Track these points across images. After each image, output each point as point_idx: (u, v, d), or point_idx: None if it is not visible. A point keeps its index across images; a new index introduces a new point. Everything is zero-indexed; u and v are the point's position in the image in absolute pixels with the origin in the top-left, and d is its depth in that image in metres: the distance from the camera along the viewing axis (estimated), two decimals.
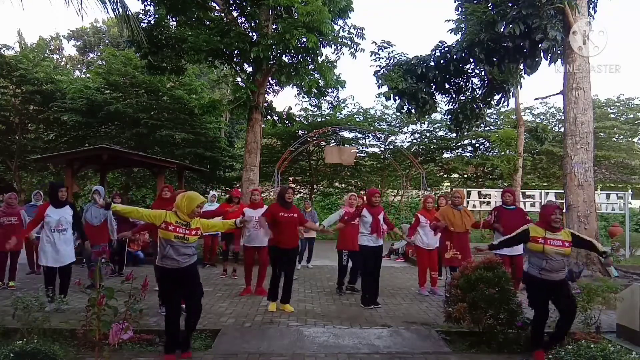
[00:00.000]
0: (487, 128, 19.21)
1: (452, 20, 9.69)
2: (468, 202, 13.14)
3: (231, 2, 11.46)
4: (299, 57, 11.07)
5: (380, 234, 6.32)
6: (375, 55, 10.55)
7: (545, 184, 19.81)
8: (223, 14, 11.35)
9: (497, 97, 10.66)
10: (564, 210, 8.03)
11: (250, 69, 11.86)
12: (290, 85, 11.75)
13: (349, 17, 11.65)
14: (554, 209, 4.38)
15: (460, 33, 9.44)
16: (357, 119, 18.78)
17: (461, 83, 10.69)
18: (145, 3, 11.46)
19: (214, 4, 11.39)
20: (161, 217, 4.07)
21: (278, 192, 6.27)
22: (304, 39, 9.64)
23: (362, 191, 21.23)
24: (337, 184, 21.18)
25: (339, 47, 11.80)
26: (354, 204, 7.32)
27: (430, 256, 7.16)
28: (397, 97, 10.13)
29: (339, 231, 7.29)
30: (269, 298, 6.02)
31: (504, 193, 6.86)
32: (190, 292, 4.22)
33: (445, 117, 12.53)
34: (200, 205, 4.15)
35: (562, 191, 8.98)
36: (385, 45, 10.53)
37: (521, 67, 9.79)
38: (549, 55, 8.48)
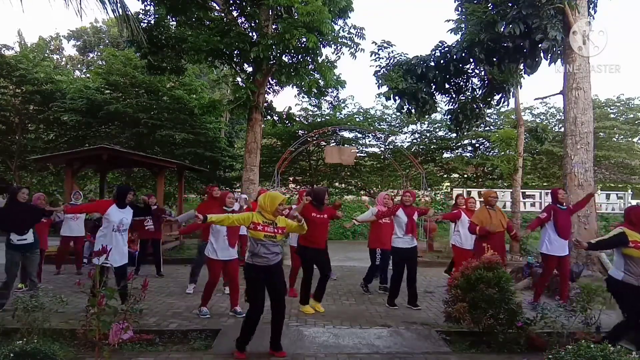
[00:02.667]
0: (487, 128, 19.19)
1: (452, 20, 9.68)
2: None
3: (231, 2, 11.45)
4: (299, 57, 11.07)
5: (416, 234, 6.35)
6: (375, 55, 10.54)
7: (545, 184, 19.80)
8: (223, 14, 11.35)
9: (497, 97, 10.64)
10: None
11: (250, 69, 11.86)
12: (290, 85, 11.75)
13: (349, 17, 11.67)
14: None
15: (460, 33, 9.43)
16: (357, 119, 18.77)
17: (461, 83, 10.67)
18: (145, 3, 11.47)
19: (214, 4, 11.38)
20: (249, 218, 4.28)
21: (314, 192, 6.25)
22: (304, 39, 9.64)
23: (362, 191, 21.25)
24: (337, 184, 21.16)
25: (339, 47, 11.81)
26: (388, 204, 7.28)
27: (468, 256, 7.07)
28: (397, 97, 10.12)
29: (373, 230, 7.36)
30: (302, 302, 6.00)
31: (559, 191, 6.50)
32: (276, 289, 4.34)
33: (445, 117, 12.51)
34: (282, 203, 4.32)
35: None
36: (385, 45, 10.52)
37: (521, 67, 9.77)
38: (549, 55, 8.47)
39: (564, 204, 6.43)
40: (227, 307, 6.04)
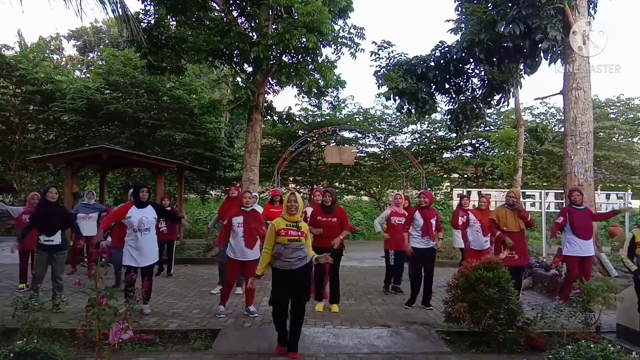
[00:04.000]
0: (487, 128, 19.16)
1: (452, 20, 9.67)
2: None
3: (231, 2, 11.45)
4: (299, 57, 11.07)
5: (433, 236, 6.32)
6: (375, 55, 10.53)
7: (545, 184, 19.78)
8: (223, 14, 11.35)
9: (497, 97, 10.62)
10: None
11: (250, 69, 11.86)
12: (290, 85, 11.75)
13: (349, 17, 11.66)
14: None
15: (460, 33, 9.42)
16: (357, 119, 18.75)
17: (461, 83, 10.66)
18: (145, 3, 11.46)
19: (214, 4, 11.38)
20: (273, 231, 4.34)
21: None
22: (304, 39, 9.64)
23: (362, 191, 21.23)
24: (337, 184, 21.14)
25: (339, 47, 11.80)
26: (400, 203, 7.36)
27: (480, 257, 6.99)
28: (397, 97, 10.11)
29: (387, 231, 7.37)
30: (315, 298, 6.17)
31: (572, 192, 6.51)
32: (297, 293, 4.36)
33: (445, 117, 12.50)
34: (290, 199, 4.39)
35: (562, 191, 8.98)
36: (385, 45, 10.51)
37: (521, 67, 9.76)
38: (549, 55, 8.46)
39: (580, 204, 6.39)
40: (228, 306, 6.06)
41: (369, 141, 19.39)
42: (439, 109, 13.42)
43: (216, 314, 5.70)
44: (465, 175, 20.91)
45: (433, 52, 9.96)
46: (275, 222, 4.40)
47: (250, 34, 11.06)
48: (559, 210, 8.79)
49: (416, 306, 6.37)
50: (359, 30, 11.80)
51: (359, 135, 18.99)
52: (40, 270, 5.86)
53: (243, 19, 11.50)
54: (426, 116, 13.29)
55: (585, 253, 6.27)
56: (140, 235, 5.51)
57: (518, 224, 6.28)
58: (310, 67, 11.32)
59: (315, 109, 18.54)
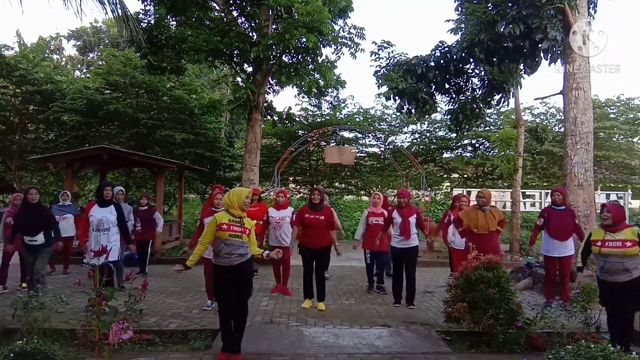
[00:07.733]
0: (487, 128, 19.17)
1: (452, 20, 9.67)
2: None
3: (231, 2, 11.46)
4: (299, 57, 11.08)
5: (409, 235, 6.21)
6: (375, 55, 10.54)
7: (545, 184, 19.78)
8: (223, 14, 11.35)
9: (497, 97, 10.63)
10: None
11: (250, 69, 11.87)
12: (290, 85, 11.75)
13: (349, 17, 11.68)
14: (602, 207, 4.52)
15: (460, 33, 9.42)
16: (357, 119, 18.75)
17: (461, 83, 10.66)
18: (145, 3, 11.47)
19: (214, 4, 11.38)
20: (214, 224, 4.14)
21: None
22: (304, 39, 9.65)
23: (362, 191, 21.23)
24: (337, 184, 21.15)
25: (339, 47, 11.81)
26: (377, 203, 7.35)
27: (460, 255, 6.71)
28: (397, 97, 10.11)
29: (366, 231, 7.36)
30: (304, 296, 6.29)
31: (553, 192, 6.58)
32: (238, 290, 4.25)
33: (445, 117, 12.51)
34: (248, 196, 4.23)
35: None
36: (385, 45, 10.51)
37: (521, 67, 9.77)
38: (549, 55, 8.46)
39: (561, 204, 6.37)
40: None
41: (369, 141, 19.40)
42: (439, 109, 13.43)
43: (203, 307, 5.89)
44: (465, 175, 20.92)
45: (433, 52, 9.96)
46: (218, 215, 4.20)
47: (250, 34, 11.07)
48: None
49: (405, 304, 6.37)
50: (359, 30, 11.81)
51: (359, 135, 18.99)
52: (28, 264, 5.94)
53: (243, 19, 11.51)
54: (426, 116, 13.29)
55: (562, 253, 6.24)
56: (99, 234, 5.55)
57: (489, 225, 5.94)
58: (310, 67, 11.33)
59: (315, 109, 18.55)
